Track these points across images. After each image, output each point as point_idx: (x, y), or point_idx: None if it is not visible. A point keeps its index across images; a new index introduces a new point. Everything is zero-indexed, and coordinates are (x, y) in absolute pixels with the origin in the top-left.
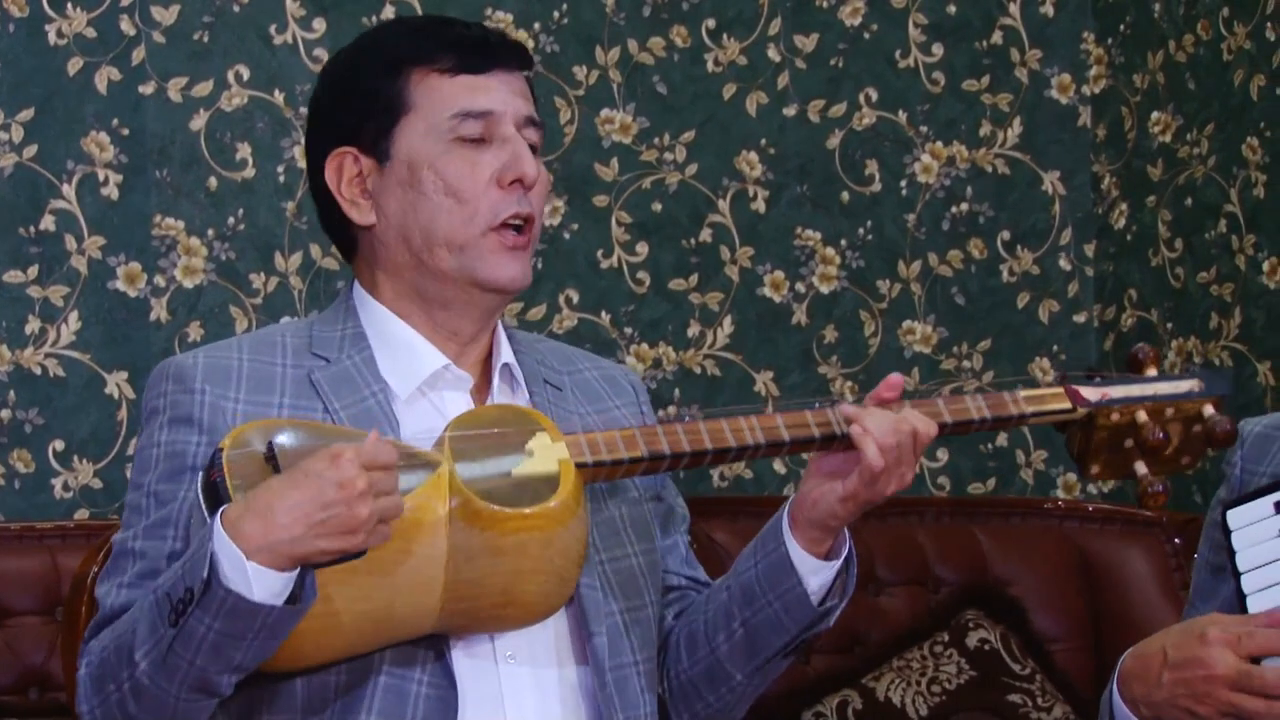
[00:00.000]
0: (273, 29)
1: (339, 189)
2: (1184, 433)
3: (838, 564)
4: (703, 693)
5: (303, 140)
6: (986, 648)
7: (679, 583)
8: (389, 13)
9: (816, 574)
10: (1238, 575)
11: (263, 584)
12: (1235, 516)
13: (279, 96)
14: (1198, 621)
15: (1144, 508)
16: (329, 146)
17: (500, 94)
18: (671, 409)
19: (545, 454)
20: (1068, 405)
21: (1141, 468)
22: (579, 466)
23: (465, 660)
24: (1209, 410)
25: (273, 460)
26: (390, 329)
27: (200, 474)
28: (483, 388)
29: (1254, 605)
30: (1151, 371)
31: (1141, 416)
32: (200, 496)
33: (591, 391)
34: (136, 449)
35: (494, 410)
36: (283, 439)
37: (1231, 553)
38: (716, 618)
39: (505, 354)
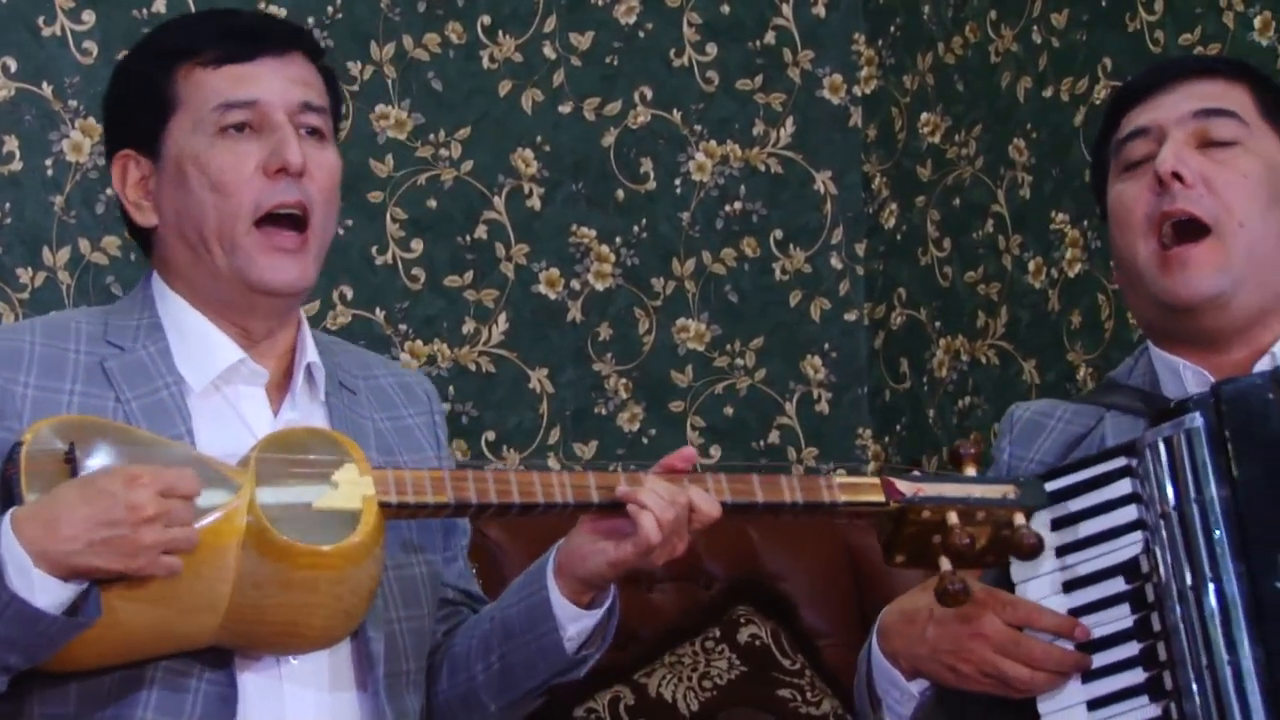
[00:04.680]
0: (41, 21)
1: (124, 191)
2: (992, 534)
3: (599, 614)
4: (457, 716)
5: (71, 134)
6: (757, 643)
7: (453, 596)
8: (160, 6)
9: (575, 621)
10: (1006, 566)
11: (46, 591)
12: None
13: (47, 89)
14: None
15: (942, 604)
16: (114, 149)
17: (268, 81)
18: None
19: (350, 488)
20: (881, 499)
21: (945, 564)
22: (383, 506)
23: (247, 660)
24: (1019, 520)
25: (72, 462)
26: (187, 321)
27: None
28: (282, 385)
29: (1021, 594)
30: (970, 470)
31: (952, 518)
32: None
33: (386, 399)
34: None
35: (305, 433)
36: (86, 442)
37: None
38: (478, 647)
39: (310, 353)
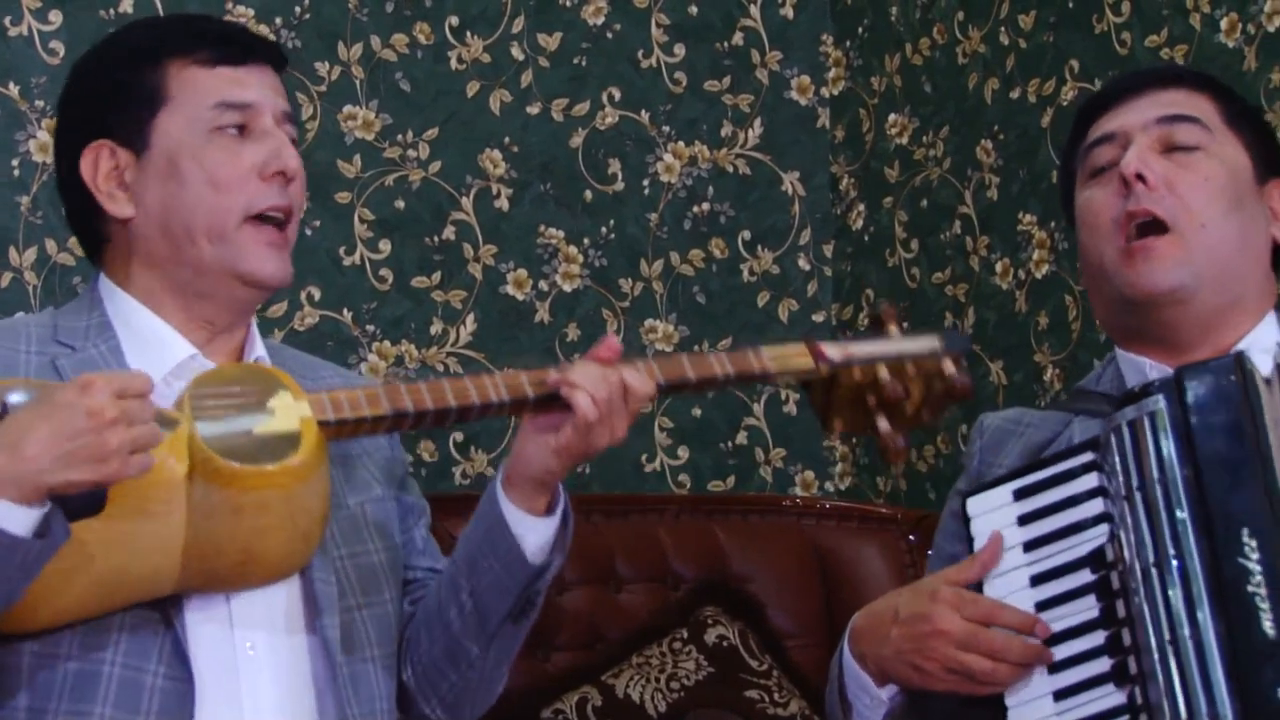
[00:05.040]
0: (7, 20)
1: (95, 182)
2: (925, 389)
3: (555, 519)
4: (445, 672)
5: (38, 134)
6: (725, 644)
7: (417, 575)
8: (126, 6)
9: (533, 530)
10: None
11: (12, 519)
12: (975, 504)
13: (14, 89)
14: (928, 581)
15: (886, 460)
16: (84, 140)
17: (258, 88)
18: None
19: (287, 412)
20: (810, 364)
21: (884, 424)
22: (321, 424)
23: (204, 652)
24: (949, 367)
25: (4, 412)
26: (138, 320)
27: None
28: None
29: (989, 592)
30: (893, 329)
31: (883, 373)
32: None
33: None
34: None
35: (236, 368)
36: (16, 398)
37: (970, 540)
38: (447, 592)
39: (259, 349)
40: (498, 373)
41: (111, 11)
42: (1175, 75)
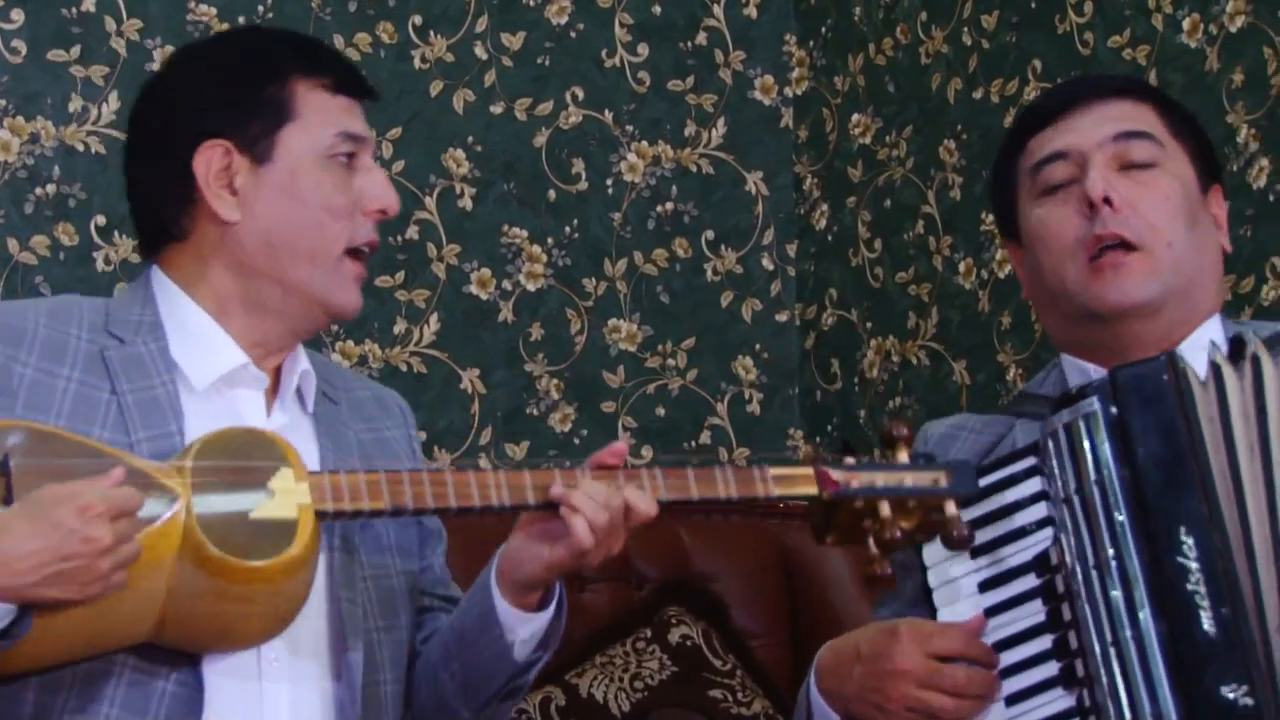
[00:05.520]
0: None
1: (208, 179)
2: (923, 519)
3: (547, 615)
4: None
5: (0, 133)
6: (688, 644)
7: (430, 604)
8: (89, 5)
9: (525, 623)
10: (924, 570)
11: None
12: None
13: None
14: (890, 621)
15: (869, 587)
16: (201, 135)
17: (364, 123)
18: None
19: (286, 497)
20: (814, 490)
21: (874, 547)
22: (319, 515)
23: (218, 666)
24: (951, 509)
25: (6, 475)
26: (192, 321)
27: None
28: (273, 389)
29: (939, 599)
30: (903, 454)
31: (884, 509)
32: None
33: (364, 411)
34: None
35: (242, 434)
36: (15, 440)
37: (919, 547)
38: (440, 656)
39: (304, 361)
40: (503, 471)
41: (74, 10)
42: (1118, 86)
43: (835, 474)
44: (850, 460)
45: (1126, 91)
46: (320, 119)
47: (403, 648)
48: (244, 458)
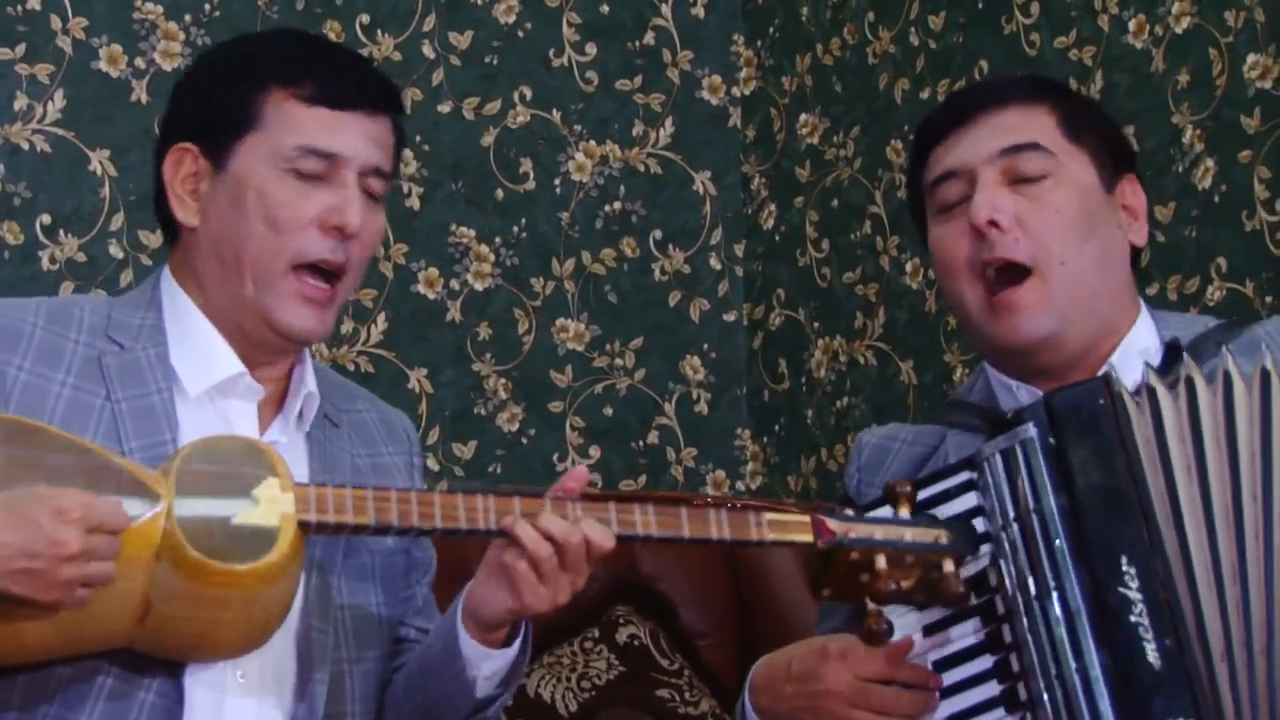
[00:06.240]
0: None
1: (172, 182)
2: (921, 576)
3: (511, 653)
4: None
5: None
6: (636, 643)
7: (410, 635)
8: (34, 4)
9: (488, 660)
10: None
11: None
12: None
13: None
14: (820, 639)
15: (868, 643)
16: (174, 137)
17: (352, 138)
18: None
19: (270, 505)
20: (810, 538)
21: (871, 605)
22: (302, 525)
23: (198, 678)
24: (948, 566)
25: None
26: (194, 325)
27: None
28: (273, 405)
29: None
30: (904, 510)
31: (880, 562)
32: None
33: (367, 434)
34: None
35: (231, 442)
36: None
37: None
38: (404, 685)
39: (310, 383)
40: (492, 496)
41: (19, 8)
42: (1006, 93)
43: (832, 523)
44: (849, 511)
45: (1015, 97)
46: (285, 130)
47: (375, 679)
48: (232, 465)
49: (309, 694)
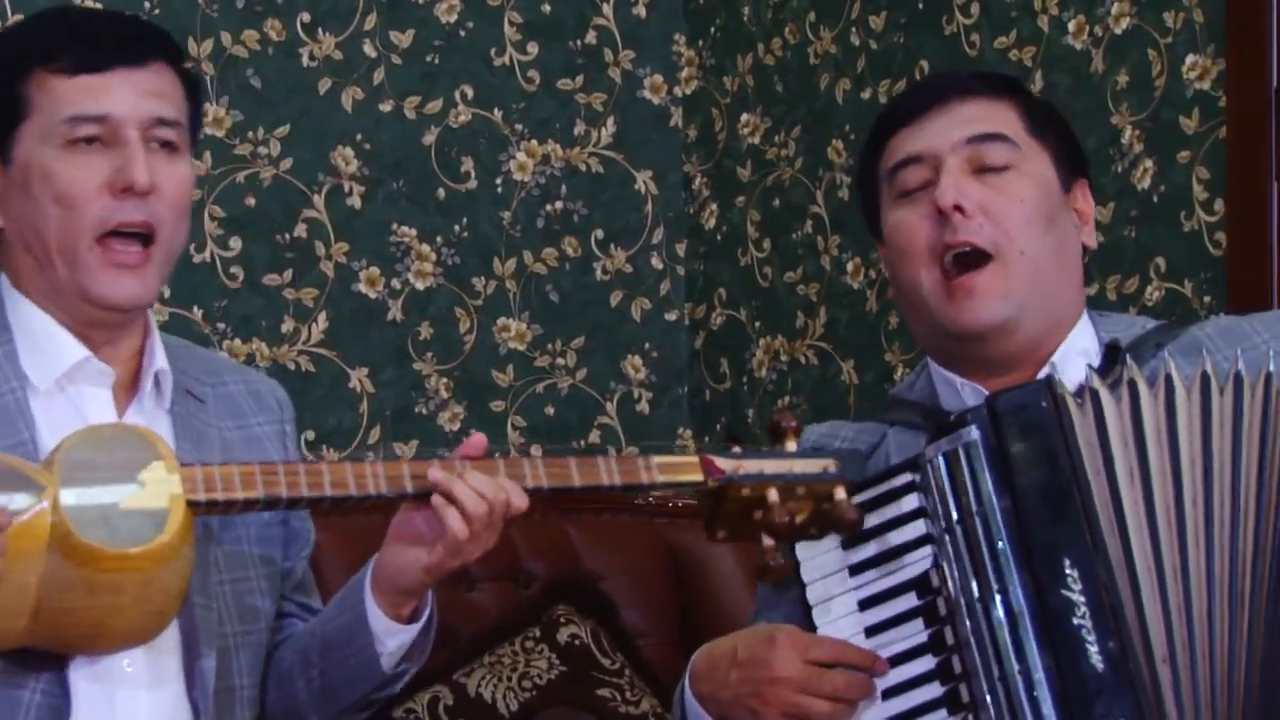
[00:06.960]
0: None
1: None
2: (813, 509)
3: (417, 628)
4: None
5: None
6: (577, 643)
7: (289, 609)
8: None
9: (393, 636)
10: (803, 586)
11: None
12: None
13: None
14: (766, 626)
15: (761, 579)
16: None
17: (120, 94)
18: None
19: (157, 487)
20: (700, 477)
21: (767, 539)
22: (191, 504)
23: (83, 668)
24: (840, 494)
25: None
26: (32, 321)
27: None
28: (129, 387)
29: (818, 617)
30: (790, 444)
31: (772, 495)
32: None
33: (235, 406)
34: None
35: (112, 430)
36: None
37: (796, 564)
38: (299, 662)
39: (160, 360)
40: (380, 462)
41: None
42: (975, 85)
43: (721, 462)
44: (736, 449)
45: (983, 90)
46: (50, 109)
47: (261, 650)
48: (115, 451)
49: (198, 672)
